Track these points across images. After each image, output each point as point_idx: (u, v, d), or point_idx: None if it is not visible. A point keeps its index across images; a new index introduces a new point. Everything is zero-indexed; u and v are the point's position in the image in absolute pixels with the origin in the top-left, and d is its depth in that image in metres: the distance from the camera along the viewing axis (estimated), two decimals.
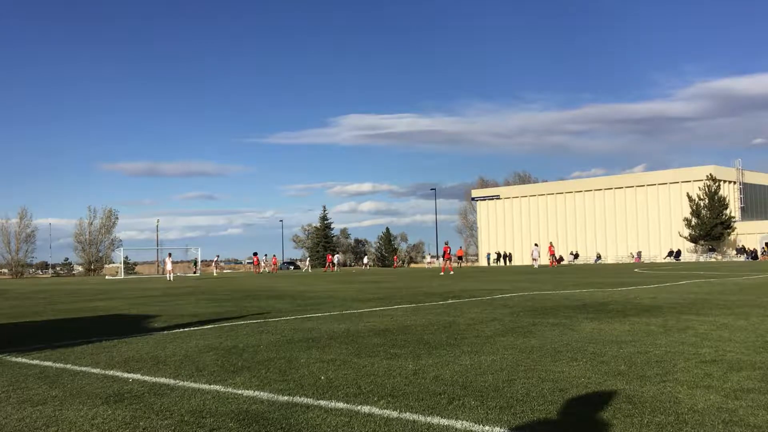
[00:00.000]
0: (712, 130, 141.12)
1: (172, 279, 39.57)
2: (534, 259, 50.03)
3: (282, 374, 5.42)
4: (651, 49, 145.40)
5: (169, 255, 45.83)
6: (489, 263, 78.17)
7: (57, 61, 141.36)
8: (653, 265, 45.42)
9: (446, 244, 37.37)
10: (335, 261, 63.13)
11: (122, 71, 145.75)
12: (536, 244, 54.99)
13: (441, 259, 40.65)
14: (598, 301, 12.20)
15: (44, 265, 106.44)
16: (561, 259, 67.51)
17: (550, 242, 59.17)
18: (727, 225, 63.35)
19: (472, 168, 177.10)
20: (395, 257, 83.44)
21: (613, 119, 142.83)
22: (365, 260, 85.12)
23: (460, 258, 70.20)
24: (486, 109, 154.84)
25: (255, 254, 61.72)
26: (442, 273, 34.31)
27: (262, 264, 61.33)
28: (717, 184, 63.70)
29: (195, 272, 58.62)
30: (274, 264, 62.82)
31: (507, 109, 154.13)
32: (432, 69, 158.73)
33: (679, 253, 65.46)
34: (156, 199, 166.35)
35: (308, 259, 79.38)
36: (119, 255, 69.11)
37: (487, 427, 3.76)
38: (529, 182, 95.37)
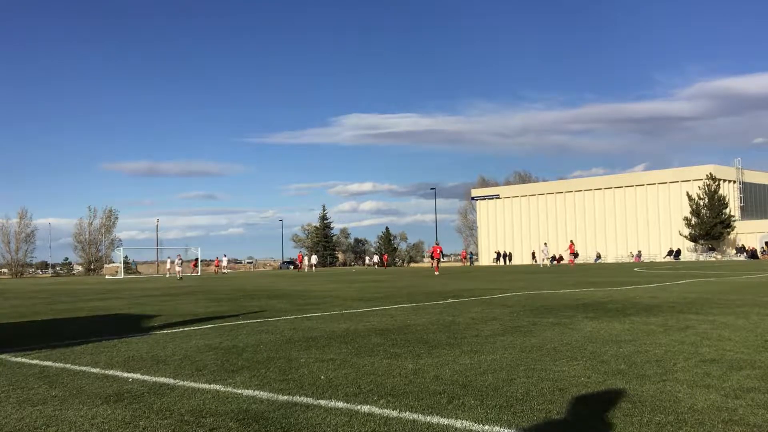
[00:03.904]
0: (712, 130, 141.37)
1: (169, 277, 40.03)
2: (544, 258, 50.80)
3: (282, 374, 5.42)
4: (652, 48, 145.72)
5: (179, 255, 46.85)
6: (471, 263, 78.91)
7: (57, 61, 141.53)
8: (653, 265, 45.41)
9: (437, 244, 40.31)
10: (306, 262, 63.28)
11: (122, 71, 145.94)
12: (546, 243, 55.39)
13: (431, 259, 42.33)
14: (597, 301, 12.19)
15: (44, 265, 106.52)
16: (561, 258, 67.50)
17: (571, 240, 57.50)
18: (727, 224, 63.34)
19: (473, 167, 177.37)
20: (384, 256, 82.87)
21: (614, 119, 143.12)
22: (369, 259, 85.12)
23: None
24: (487, 108, 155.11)
25: (217, 257, 66.93)
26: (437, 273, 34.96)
27: (223, 265, 66.09)
28: (717, 183, 63.68)
29: (195, 272, 58.84)
30: (216, 265, 64.06)
31: (508, 108, 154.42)
32: (434, 68, 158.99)
33: (678, 252, 65.46)
34: (156, 199, 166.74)
35: (314, 256, 68.84)
36: (119, 255, 69.19)
37: (486, 427, 3.76)
38: (529, 182, 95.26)
